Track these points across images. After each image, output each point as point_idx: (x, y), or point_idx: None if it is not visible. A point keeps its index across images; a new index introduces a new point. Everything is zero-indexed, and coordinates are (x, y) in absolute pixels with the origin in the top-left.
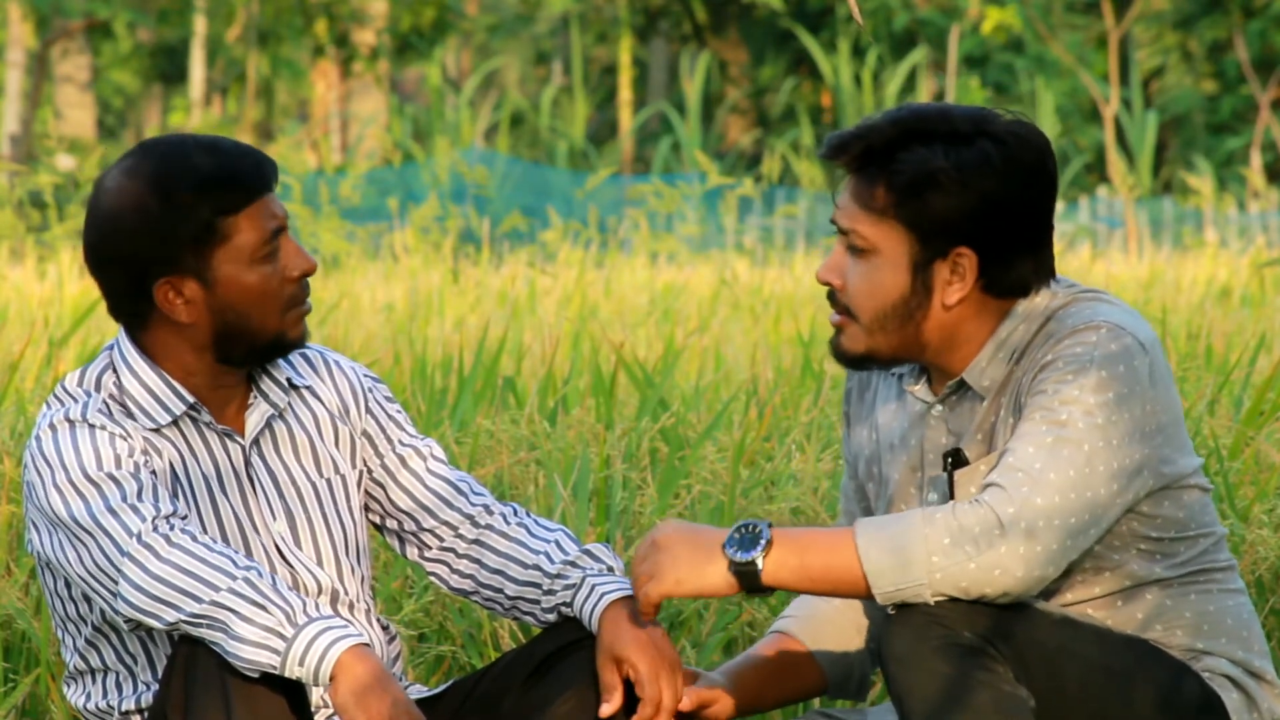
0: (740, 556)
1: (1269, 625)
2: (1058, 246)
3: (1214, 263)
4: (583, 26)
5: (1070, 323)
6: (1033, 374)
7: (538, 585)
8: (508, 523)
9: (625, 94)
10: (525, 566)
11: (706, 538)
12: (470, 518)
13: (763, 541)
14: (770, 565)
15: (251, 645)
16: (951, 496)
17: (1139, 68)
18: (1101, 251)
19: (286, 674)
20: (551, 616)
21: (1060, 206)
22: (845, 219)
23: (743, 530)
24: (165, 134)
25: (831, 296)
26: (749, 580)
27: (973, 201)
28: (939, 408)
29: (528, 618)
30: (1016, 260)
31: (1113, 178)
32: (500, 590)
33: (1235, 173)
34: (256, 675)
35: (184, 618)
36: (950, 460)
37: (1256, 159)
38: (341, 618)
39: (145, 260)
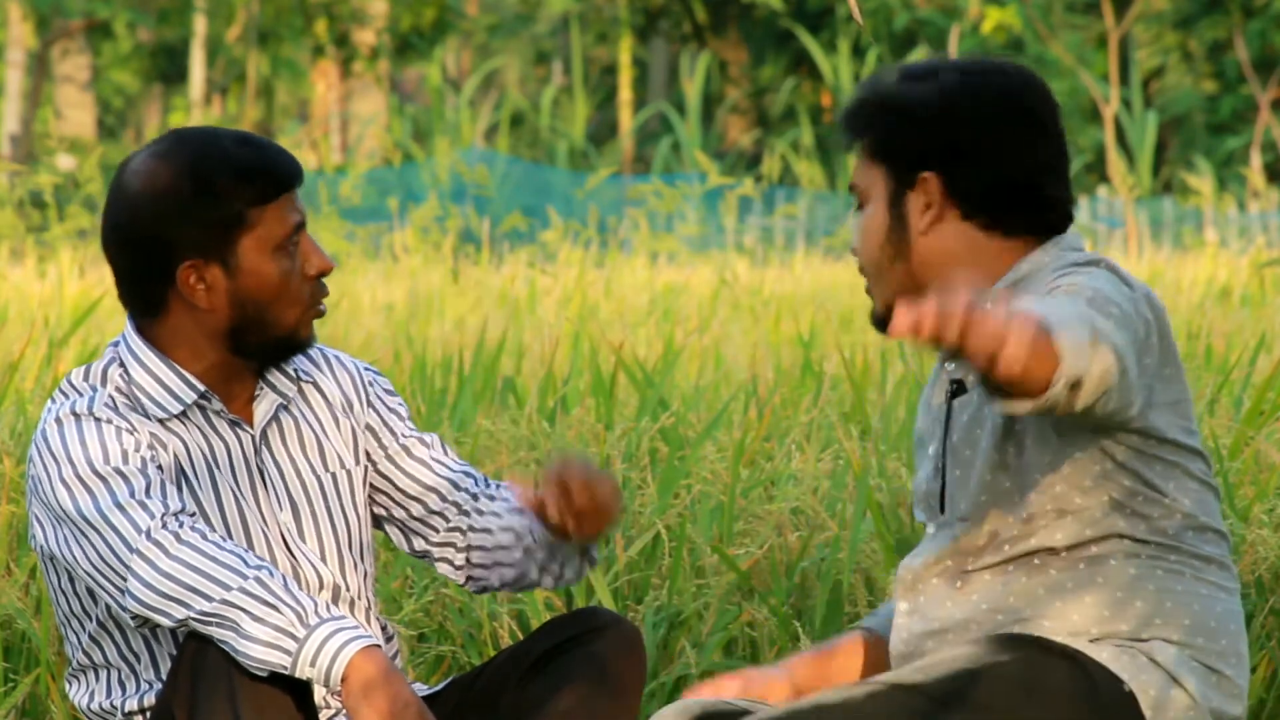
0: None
1: (1269, 625)
2: None
3: (1214, 263)
4: (583, 26)
5: (1067, 263)
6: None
7: (531, 554)
8: (492, 499)
9: (625, 94)
10: (519, 536)
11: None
12: (475, 498)
13: None
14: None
15: (262, 645)
16: (948, 425)
17: (1139, 68)
18: (1101, 251)
19: (297, 674)
20: (548, 581)
21: None
22: (853, 176)
23: None
24: (196, 126)
25: (860, 267)
26: None
27: (927, 126)
28: (950, 364)
29: (531, 583)
30: (988, 185)
31: (1113, 178)
32: (506, 565)
33: (1235, 173)
34: (265, 674)
35: (193, 615)
36: (953, 389)
37: (1256, 159)
38: (352, 618)
39: (173, 242)
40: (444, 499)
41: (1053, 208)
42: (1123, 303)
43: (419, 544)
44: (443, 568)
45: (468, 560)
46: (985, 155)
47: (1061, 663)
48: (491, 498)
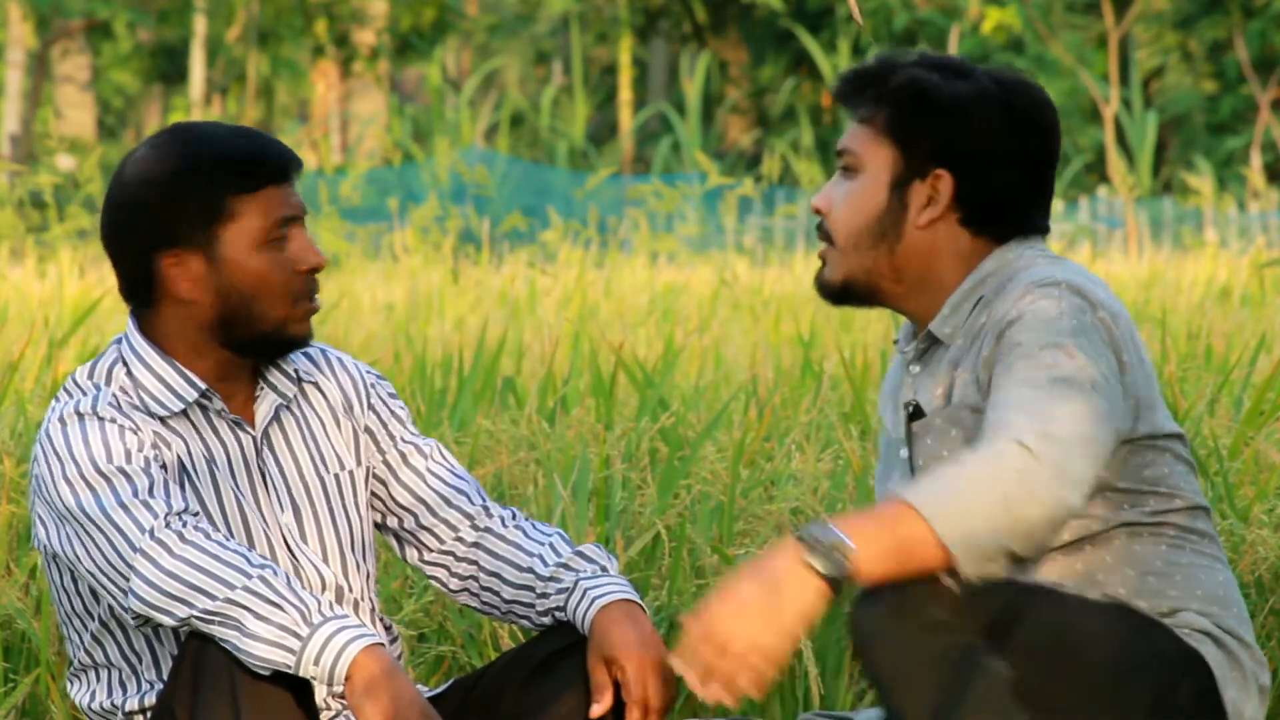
0: (835, 539)
1: (1269, 625)
2: (1057, 246)
3: (1214, 263)
4: (583, 26)
5: (1031, 279)
6: (997, 331)
7: (531, 589)
8: (505, 525)
9: (625, 94)
10: (520, 569)
11: (764, 573)
12: (470, 518)
13: (837, 537)
14: (866, 556)
15: (265, 644)
16: (910, 448)
17: (1139, 68)
18: (1101, 251)
19: (300, 673)
20: (546, 620)
21: (1060, 206)
22: (845, 139)
23: (809, 540)
24: (199, 120)
25: (820, 226)
26: (840, 576)
27: (959, 126)
28: (915, 365)
29: (524, 621)
30: (994, 196)
31: (1113, 178)
32: (497, 593)
33: (1235, 173)
34: (267, 673)
35: (196, 614)
36: (911, 411)
37: (1256, 159)
38: (355, 617)
39: (155, 230)
40: (434, 514)
41: (1040, 218)
42: (1088, 343)
43: (412, 556)
44: (435, 584)
45: (466, 590)
46: (998, 166)
47: (1146, 620)
48: (489, 529)
